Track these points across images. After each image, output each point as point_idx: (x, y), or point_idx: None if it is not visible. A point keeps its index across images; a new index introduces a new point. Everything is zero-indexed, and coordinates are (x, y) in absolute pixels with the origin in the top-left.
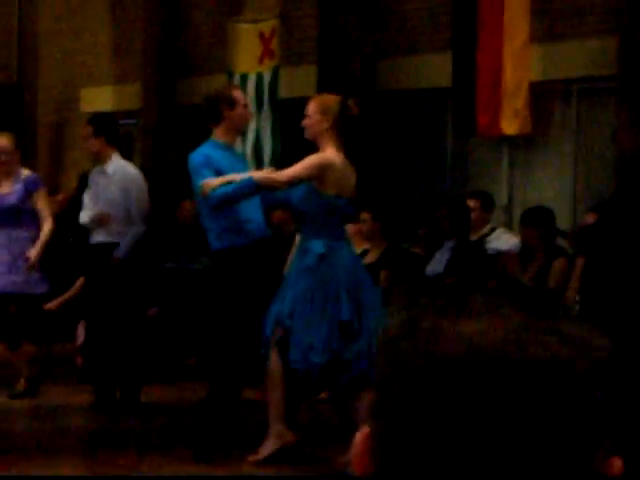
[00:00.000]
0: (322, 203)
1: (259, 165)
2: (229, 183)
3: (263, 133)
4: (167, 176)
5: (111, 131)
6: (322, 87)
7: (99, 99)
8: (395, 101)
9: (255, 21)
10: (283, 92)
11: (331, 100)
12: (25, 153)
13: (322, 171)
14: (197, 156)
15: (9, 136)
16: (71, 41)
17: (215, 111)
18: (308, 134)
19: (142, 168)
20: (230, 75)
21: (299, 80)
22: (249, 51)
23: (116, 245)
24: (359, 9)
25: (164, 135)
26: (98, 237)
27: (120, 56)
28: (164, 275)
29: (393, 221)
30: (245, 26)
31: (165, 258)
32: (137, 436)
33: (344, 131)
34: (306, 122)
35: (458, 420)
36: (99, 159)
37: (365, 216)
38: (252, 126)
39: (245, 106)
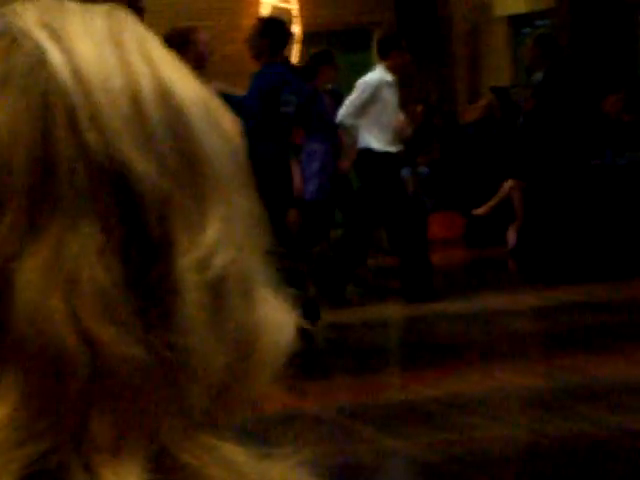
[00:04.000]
0: None
1: None
2: None
3: None
4: (590, 70)
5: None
6: None
7: (513, 2)
8: None
9: None
10: None
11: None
12: (441, 61)
13: None
14: None
15: None
16: None
17: None
18: None
19: (557, 66)
20: None
21: None
22: None
23: None
24: None
25: (579, 32)
26: None
27: None
28: (591, 172)
29: None
30: None
31: (591, 154)
32: (577, 337)
33: None
34: None
35: None
36: None
37: None
38: None
39: None
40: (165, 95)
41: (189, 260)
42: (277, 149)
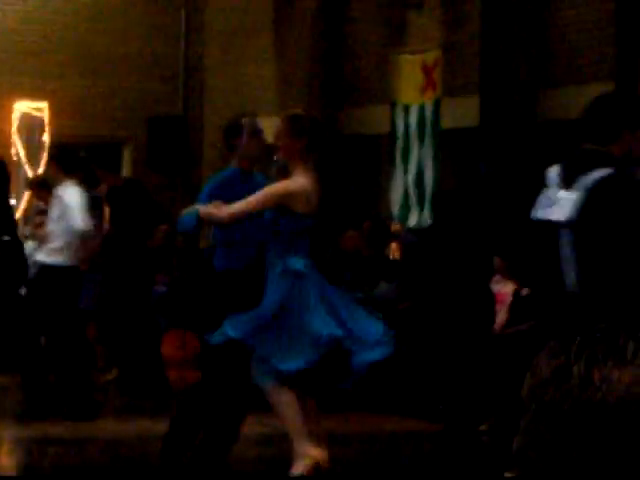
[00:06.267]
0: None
1: (421, 196)
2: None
3: (425, 164)
4: (331, 203)
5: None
6: (485, 118)
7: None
8: (557, 131)
9: (418, 52)
10: (445, 123)
11: (304, 120)
12: (190, 185)
13: (284, 201)
14: (210, 182)
15: None
16: (236, 73)
17: (226, 140)
18: (280, 156)
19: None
20: (392, 106)
21: (461, 111)
22: (412, 82)
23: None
24: (521, 39)
25: (330, 165)
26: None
27: (284, 87)
28: None
29: None
30: (408, 57)
31: None
32: None
33: (316, 149)
34: (279, 145)
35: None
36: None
37: None
38: (414, 157)
39: (251, 134)
40: None
41: None
42: None
